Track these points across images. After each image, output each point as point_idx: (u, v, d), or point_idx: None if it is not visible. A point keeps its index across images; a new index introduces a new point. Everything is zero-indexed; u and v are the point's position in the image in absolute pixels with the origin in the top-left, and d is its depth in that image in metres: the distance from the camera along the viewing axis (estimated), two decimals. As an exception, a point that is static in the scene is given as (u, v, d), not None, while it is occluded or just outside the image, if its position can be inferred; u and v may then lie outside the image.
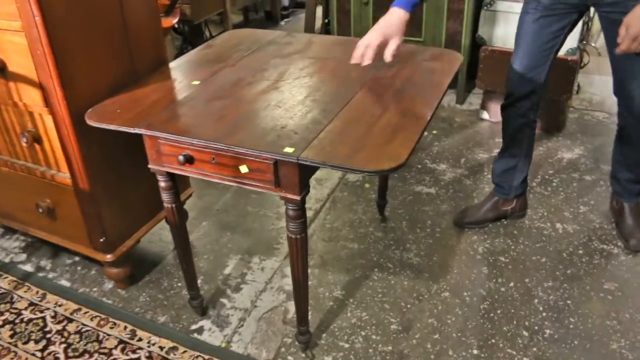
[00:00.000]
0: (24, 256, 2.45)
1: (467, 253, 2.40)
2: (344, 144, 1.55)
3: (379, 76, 1.95)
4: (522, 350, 1.97)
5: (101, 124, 1.73)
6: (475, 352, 1.97)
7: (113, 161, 2.05)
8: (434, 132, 3.32)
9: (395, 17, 1.85)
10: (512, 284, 2.24)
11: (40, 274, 2.35)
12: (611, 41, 2.02)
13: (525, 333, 2.03)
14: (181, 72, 2.05)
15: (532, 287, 2.23)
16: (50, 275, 2.35)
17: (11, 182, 2.18)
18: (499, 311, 2.12)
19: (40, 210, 2.13)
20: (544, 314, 2.11)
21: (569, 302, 2.15)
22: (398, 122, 1.67)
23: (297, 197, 1.59)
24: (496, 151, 3.10)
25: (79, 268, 2.38)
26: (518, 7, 3.07)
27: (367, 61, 1.86)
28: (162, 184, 1.80)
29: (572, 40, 3.05)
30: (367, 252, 2.42)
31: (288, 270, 2.30)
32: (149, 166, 1.76)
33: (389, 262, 2.36)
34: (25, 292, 2.25)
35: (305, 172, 1.58)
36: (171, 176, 1.79)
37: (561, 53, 3.08)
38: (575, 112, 3.54)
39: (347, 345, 2.00)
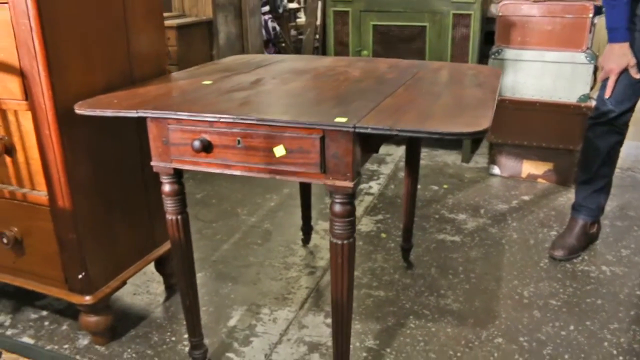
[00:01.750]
0: (-25, 315, 1.99)
1: (512, 297, 2.06)
2: (407, 114, 1.27)
3: (419, 77, 1.71)
4: (609, 400, 1.59)
5: (94, 110, 1.41)
6: (551, 404, 1.58)
7: (101, 179, 1.70)
8: (445, 186, 3.06)
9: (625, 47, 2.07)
10: (572, 327, 1.89)
11: (-3, 332, 1.89)
12: None
13: (605, 381, 1.66)
14: (187, 77, 1.77)
15: (597, 330, 1.88)
16: (10, 332, 1.88)
17: (-30, 211, 1.78)
18: (566, 356, 1.76)
19: (5, 241, 1.72)
20: (621, 358, 1.75)
21: (645, 344, 1.81)
22: (460, 103, 1.41)
23: (349, 185, 1.26)
24: (515, 202, 2.86)
25: (46, 323, 1.93)
26: (527, 55, 3.00)
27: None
28: (166, 188, 1.45)
29: (584, 87, 2.94)
30: (397, 300, 2.05)
31: (306, 321, 1.93)
32: (152, 164, 1.43)
33: (424, 309, 1.99)
34: (-24, 353, 1.78)
35: (360, 150, 1.27)
36: (178, 177, 1.45)
37: (573, 100, 2.96)
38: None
39: (392, 402, 1.59)
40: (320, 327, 1.89)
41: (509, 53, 3.01)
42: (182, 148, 1.37)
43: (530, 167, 3.12)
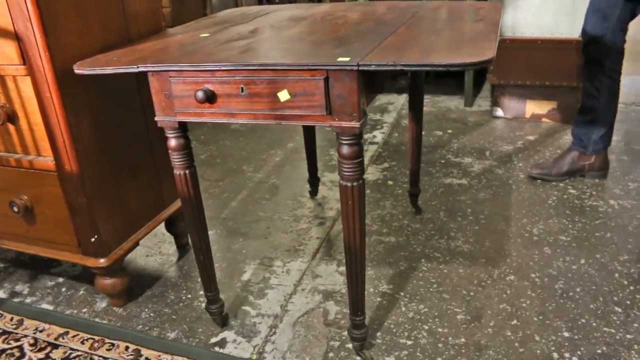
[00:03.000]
0: (-7, 285, 2.01)
1: (522, 236, 2.07)
2: (410, 50, 1.25)
3: (419, 16, 1.68)
4: (622, 327, 1.61)
5: (94, 69, 1.40)
6: (566, 334, 1.60)
7: (106, 141, 1.69)
8: (449, 131, 3.05)
9: None
10: (583, 261, 1.91)
11: (16, 300, 1.90)
12: None
13: (618, 309, 1.68)
14: (184, 32, 1.74)
15: (607, 263, 1.89)
16: (29, 300, 1.90)
17: (-23, 182, 1.78)
18: (578, 289, 1.78)
19: (16, 210, 1.72)
20: (632, 288, 1.77)
21: (656, 272, 1.82)
22: (462, 37, 1.38)
23: (356, 125, 1.25)
24: (520, 143, 2.85)
25: (63, 289, 1.95)
26: (526, -9, 2.94)
27: None
28: (172, 143, 1.44)
29: (585, 21, 2.88)
30: (407, 244, 2.06)
31: (319, 270, 1.94)
32: (156, 119, 1.41)
33: (435, 251, 2.01)
34: (-3, 321, 1.80)
35: (365, 89, 1.26)
36: (183, 131, 1.44)
37: (575, 35, 2.92)
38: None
39: (409, 342, 1.61)
40: (333, 276, 1.91)
41: (508, -8, 2.95)
42: (185, 100, 1.35)
43: (533, 107, 3.10)
